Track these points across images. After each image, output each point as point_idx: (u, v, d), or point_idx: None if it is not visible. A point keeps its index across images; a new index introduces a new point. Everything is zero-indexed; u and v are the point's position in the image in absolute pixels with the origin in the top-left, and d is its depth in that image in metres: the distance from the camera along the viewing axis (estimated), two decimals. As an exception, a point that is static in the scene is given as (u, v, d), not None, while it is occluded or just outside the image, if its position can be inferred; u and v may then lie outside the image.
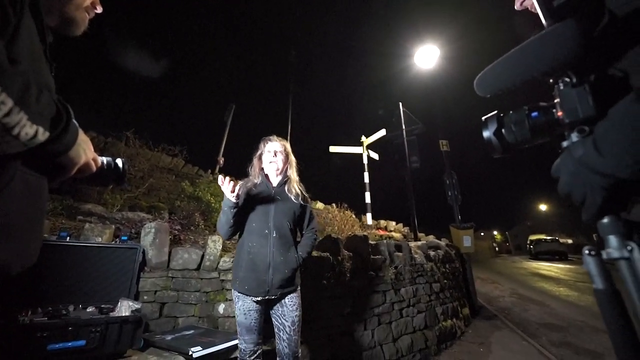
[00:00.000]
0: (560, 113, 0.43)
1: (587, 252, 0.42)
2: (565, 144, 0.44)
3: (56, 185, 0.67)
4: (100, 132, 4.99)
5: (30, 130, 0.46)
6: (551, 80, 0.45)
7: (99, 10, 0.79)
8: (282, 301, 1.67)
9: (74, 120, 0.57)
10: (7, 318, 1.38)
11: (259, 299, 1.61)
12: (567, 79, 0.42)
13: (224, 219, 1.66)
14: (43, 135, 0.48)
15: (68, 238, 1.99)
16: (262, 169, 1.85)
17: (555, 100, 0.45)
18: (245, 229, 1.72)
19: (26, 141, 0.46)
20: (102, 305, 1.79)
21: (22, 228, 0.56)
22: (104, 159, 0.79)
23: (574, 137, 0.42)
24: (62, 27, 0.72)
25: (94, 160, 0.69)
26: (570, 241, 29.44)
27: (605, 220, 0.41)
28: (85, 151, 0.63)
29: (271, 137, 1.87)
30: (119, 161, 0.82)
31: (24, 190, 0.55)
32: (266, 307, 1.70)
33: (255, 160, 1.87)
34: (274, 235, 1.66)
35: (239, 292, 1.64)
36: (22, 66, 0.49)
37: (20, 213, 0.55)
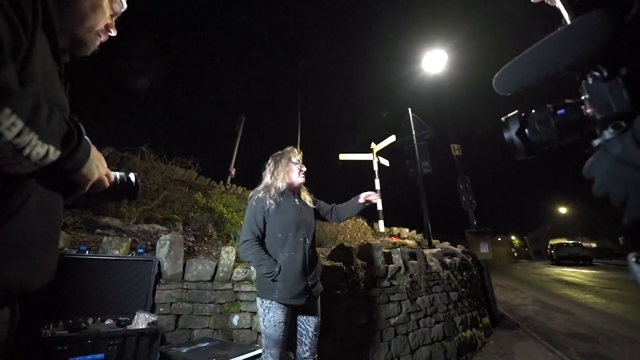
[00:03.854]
0: (590, 110, 0.41)
1: (633, 259, 0.38)
2: (597, 142, 0.41)
3: (70, 201, 0.68)
4: (116, 147, 5.16)
5: (42, 150, 0.46)
6: (577, 77, 0.43)
7: (114, 33, 0.80)
8: (309, 307, 1.72)
9: (86, 138, 0.57)
10: (30, 332, 1.41)
11: (302, 302, 1.65)
12: (597, 73, 0.40)
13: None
14: (54, 154, 0.49)
15: (87, 252, 2.03)
16: (287, 174, 1.84)
17: (583, 97, 0.42)
18: (279, 240, 1.70)
19: (37, 161, 0.46)
20: (120, 318, 1.81)
21: (38, 246, 0.57)
22: (117, 174, 0.79)
23: (608, 134, 0.39)
24: (72, 47, 0.73)
25: (107, 175, 0.69)
26: (594, 245, 28.16)
27: None
28: (98, 167, 0.63)
29: (295, 149, 1.95)
30: (132, 176, 0.82)
31: (39, 209, 0.56)
32: (293, 316, 1.73)
33: (285, 167, 1.83)
34: (308, 242, 1.73)
35: (278, 303, 1.61)
36: (33, 87, 0.50)
37: (36, 231, 0.56)
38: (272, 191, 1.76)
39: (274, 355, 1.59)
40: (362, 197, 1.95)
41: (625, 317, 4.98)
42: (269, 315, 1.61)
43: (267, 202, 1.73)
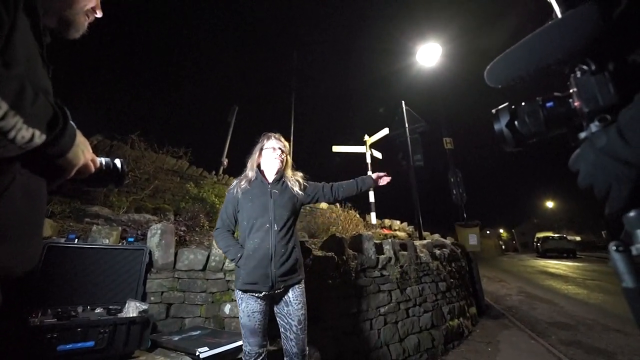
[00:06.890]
0: (577, 103, 0.42)
1: (614, 248, 0.39)
2: (583, 135, 0.42)
3: (55, 187, 0.67)
4: (105, 135, 5.03)
5: (27, 134, 0.45)
6: (566, 70, 0.44)
7: (99, 14, 0.79)
8: (287, 300, 1.66)
9: (72, 122, 0.57)
10: (18, 320, 1.40)
11: (263, 293, 1.60)
12: (585, 67, 0.41)
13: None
14: (40, 138, 0.48)
15: (76, 240, 2.00)
16: (260, 164, 1.84)
17: (572, 90, 0.43)
18: (246, 227, 1.70)
19: (23, 144, 0.46)
20: (110, 307, 1.80)
21: (22, 231, 0.56)
22: (103, 160, 0.78)
23: (594, 127, 0.40)
24: (61, 29, 0.72)
25: (93, 161, 0.68)
26: (578, 238, 29.09)
27: (633, 213, 0.38)
28: (84, 152, 0.62)
29: (275, 134, 1.88)
30: (118, 162, 0.81)
31: (23, 193, 0.55)
32: (271, 306, 1.70)
33: (255, 155, 1.84)
34: (275, 228, 1.66)
35: (242, 292, 1.63)
36: (17, 69, 0.49)
37: (20, 216, 0.55)
38: (243, 181, 1.78)
39: (252, 344, 1.61)
40: (375, 175, 1.99)
41: (605, 306, 5.20)
42: (243, 306, 1.63)
43: (236, 191, 1.76)
